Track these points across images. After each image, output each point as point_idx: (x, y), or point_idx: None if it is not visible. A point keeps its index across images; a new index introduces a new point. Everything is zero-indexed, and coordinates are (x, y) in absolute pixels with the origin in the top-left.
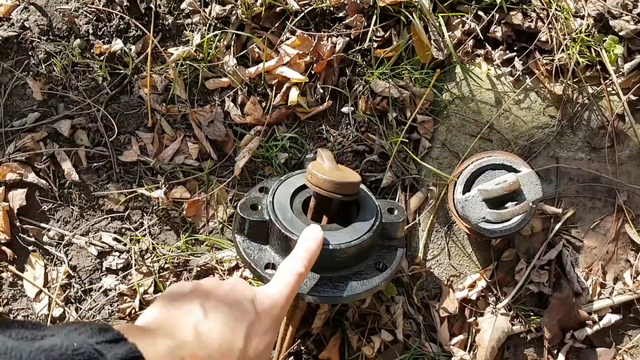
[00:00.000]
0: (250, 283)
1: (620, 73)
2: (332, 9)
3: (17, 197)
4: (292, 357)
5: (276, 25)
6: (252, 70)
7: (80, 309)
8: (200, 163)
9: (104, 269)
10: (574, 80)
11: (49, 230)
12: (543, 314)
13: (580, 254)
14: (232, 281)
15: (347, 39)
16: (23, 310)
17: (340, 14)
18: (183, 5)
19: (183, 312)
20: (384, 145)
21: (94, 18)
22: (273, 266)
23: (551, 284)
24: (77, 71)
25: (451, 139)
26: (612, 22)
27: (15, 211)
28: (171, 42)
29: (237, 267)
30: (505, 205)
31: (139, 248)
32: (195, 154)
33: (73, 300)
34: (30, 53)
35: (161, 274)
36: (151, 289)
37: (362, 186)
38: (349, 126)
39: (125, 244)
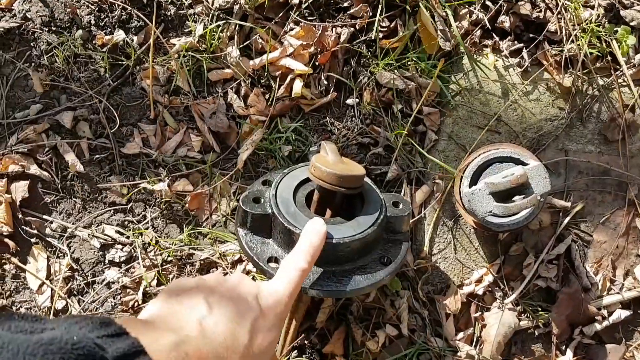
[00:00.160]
0: (253, 277)
1: (631, 64)
2: None
3: (20, 189)
4: (295, 351)
5: (280, 15)
6: (255, 61)
7: (83, 301)
8: (203, 155)
9: (106, 261)
10: (584, 71)
11: (51, 222)
12: (551, 309)
13: (590, 249)
14: (236, 277)
15: (352, 29)
16: (26, 302)
17: (345, 4)
18: None
19: (187, 307)
20: (389, 137)
21: (96, 9)
22: (276, 260)
23: (560, 279)
24: (79, 62)
25: (458, 131)
26: (623, 12)
27: (18, 203)
28: (173, 32)
29: (240, 261)
30: (513, 199)
31: (142, 241)
32: (198, 146)
33: (76, 293)
34: (32, 44)
35: (164, 267)
36: (154, 282)
37: (367, 179)
38: (353, 118)
39: (128, 237)
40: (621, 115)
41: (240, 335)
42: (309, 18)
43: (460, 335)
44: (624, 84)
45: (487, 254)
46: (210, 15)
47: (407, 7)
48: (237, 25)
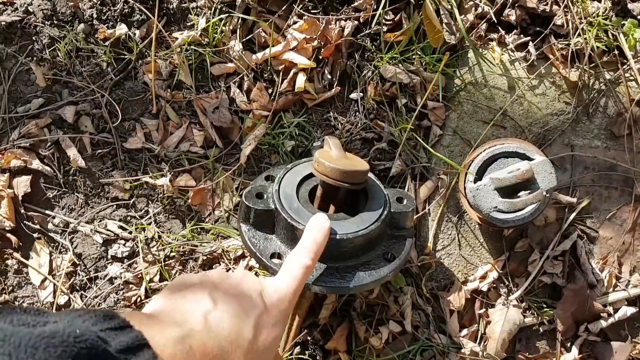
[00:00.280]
0: (256, 273)
1: (638, 58)
2: None
3: (22, 184)
4: (298, 347)
5: (283, 8)
6: (258, 55)
7: (86, 296)
8: (205, 150)
9: (109, 257)
10: (591, 65)
11: (54, 217)
12: (556, 306)
13: (596, 245)
14: (240, 274)
15: (356, 22)
16: (28, 297)
17: None
18: None
19: (191, 302)
20: (393, 132)
21: (98, 2)
22: (279, 256)
23: (565, 275)
24: (81, 56)
25: (463, 126)
26: (630, 5)
27: (20, 198)
28: (176, 26)
29: (243, 256)
30: (518, 195)
31: (145, 236)
32: (201, 141)
33: (78, 288)
34: (34, 38)
35: (167, 263)
36: (157, 278)
37: (371, 175)
38: (357, 113)
39: (130, 232)
40: (628, 109)
41: (245, 330)
42: (312, 11)
43: (464, 331)
44: (631, 78)
45: (492, 250)
46: (213, 8)
47: None
48: (240, 19)
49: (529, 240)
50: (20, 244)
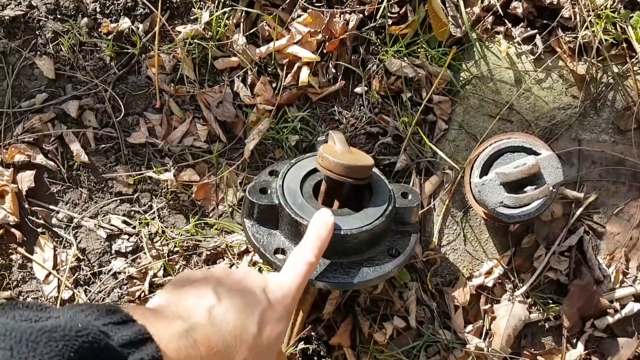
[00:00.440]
0: (260, 268)
1: None
2: None
3: (26, 179)
4: (302, 342)
5: (287, 1)
6: (262, 49)
7: (90, 291)
8: (209, 145)
9: (113, 251)
10: (598, 58)
11: (57, 212)
12: (562, 302)
13: (602, 240)
14: (243, 270)
15: (361, 15)
16: (33, 292)
17: None
18: None
19: (195, 297)
20: (398, 127)
21: None
22: (283, 251)
23: (571, 271)
24: (85, 51)
25: (469, 120)
26: None
27: (24, 193)
28: (179, 20)
29: (247, 252)
30: (524, 190)
31: (148, 231)
32: (204, 135)
33: (82, 283)
34: (37, 32)
35: (171, 258)
36: (160, 272)
37: (375, 170)
38: (362, 107)
39: (134, 227)
40: (636, 103)
41: (249, 326)
42: (316, 4)
43: (469, 327)
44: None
45: (498, 245)
46: (216, 2)
47: None
48: (244, 12)
49: (535, 235)
50: (25, 238)
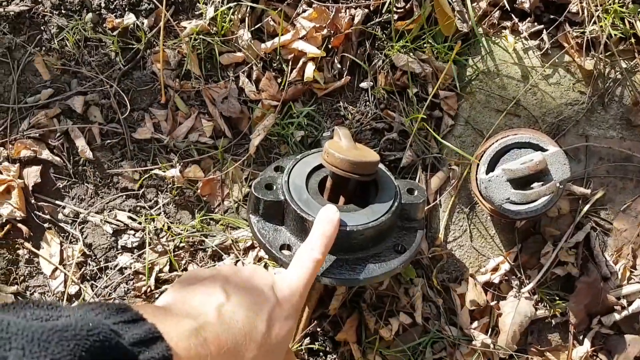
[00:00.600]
0: (265, 264)
1: None
2: None
3: (32, 174)
4: (308, 338)
5: None
6: (267, 44)
7: (96, 286)
8: (214, 141)
9: (119, 247)
10: (606, 54)
11: (64, 207)
12: (569, 299)
13: (610, 237)
14: (251, 268)
15: (366, 10)
16: (39, 287)
17: None
18: None
19: (204, 295)
20: (404, 122)
21: None
22: (288, 247)
23: (578, 268)
24: (90, 46)
25: (475, 116)
26: None
27: (30, 188)
28: (184, 15)
29: (252, 247)
30: (531, 186)
31: (154, 227)
32: (210, 131)
33: (89, 278)
34: (42, 28)
35: (176, 253)
36: (166, 268)
37: (381, 165)
38: (367, 103)
39: (140, 223)
40: None
41: (258, 324)
42: None
43: (475, 324)
44: None
45: (504, 242)
46: None
47: None
48: (249, 7)
49: (542, 232)
50: (31, 234)
